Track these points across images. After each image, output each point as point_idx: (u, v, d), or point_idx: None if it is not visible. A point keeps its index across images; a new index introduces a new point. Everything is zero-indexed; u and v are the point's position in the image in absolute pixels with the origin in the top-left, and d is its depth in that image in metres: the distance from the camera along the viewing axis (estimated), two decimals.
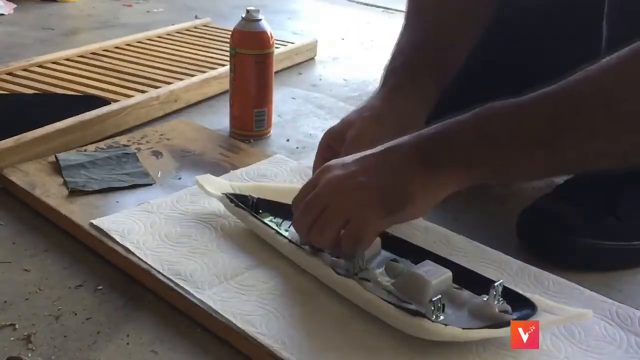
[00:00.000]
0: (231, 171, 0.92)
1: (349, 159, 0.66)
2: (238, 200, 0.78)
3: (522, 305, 0.62)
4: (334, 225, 0.64)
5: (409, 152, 0.63)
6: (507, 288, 0.64)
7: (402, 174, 0.62)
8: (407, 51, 0.81)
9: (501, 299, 0.62)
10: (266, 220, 0.75)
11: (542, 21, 0.98)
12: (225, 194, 0.79)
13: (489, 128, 0.61)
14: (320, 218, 0.65)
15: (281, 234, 0.73)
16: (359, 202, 0.63)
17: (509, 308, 0.62)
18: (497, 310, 0.61)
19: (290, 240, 0.72)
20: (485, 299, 0.62)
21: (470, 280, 0.65)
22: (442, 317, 0.60)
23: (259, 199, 0.79)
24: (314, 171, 0.77)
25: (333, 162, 0.67)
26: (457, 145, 0.61)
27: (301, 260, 0.70)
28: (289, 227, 0.76)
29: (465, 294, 0.64)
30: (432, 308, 0.59)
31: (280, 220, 0.77)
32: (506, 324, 0.60)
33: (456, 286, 0.65)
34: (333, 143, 0.78)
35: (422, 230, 0.80)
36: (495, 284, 0.62)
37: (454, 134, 0.62)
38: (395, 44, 0.84)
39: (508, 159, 0.60)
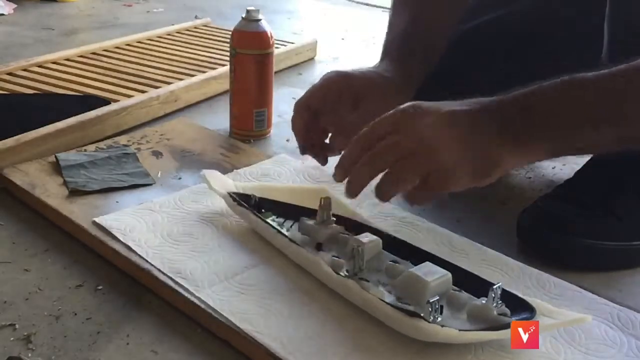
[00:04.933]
0: (234, 171, 0.92)
1: (433, 108, 0.64)
2: (241, 199, 0.78)
3: (521, 309, 0.62)
4: (416, 174, 0.63)
5: (496, 118, 0.63)
6: (506, 291, 0.64)
7: (491, 142, 0.62)
8: (402, 32, 0.85)
9: (500, 301, 0.62)
10: (268, 220, 0.75)
11: (537, 22, 0.98)
12: (229, 193, 0.79)
13: (568, 99, 0.62)
14: (403, 163, 0.63)
15: (282, 234, 0.73)
16: (451, 157, 0.62)
17: (507, 311, 0.62)
18: (495, 313, 0.61)
19: (291, 240, 0.72)
20: (484, 301, 0.62)
21: (469, 282, 0.65)
22: (439, 319, 0.60)
23: (261, 198, 0.79)
24: (306, 100, 0.79)
25: (413, 108, 0.64)
26: (537, 119, 0.62)
27: (301, 260, 0.70)
28: (290, 227, 0.76)
29: (465, 296, 0.64)
30: (430, 309, 0.59)
31: (282, 220, 0.77)
32: (504, 326, 0.60)
33: (455, 288, 0.65)
34: (345, 89, 0.78)
35: (423, 231, 0.80)
36: (494, 286, 0.62)
37: (535, 104, 0.63)
38: (387, 26, 0.88)
39: (580, 133, 0.62)
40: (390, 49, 0.84)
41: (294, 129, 0.81)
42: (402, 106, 0.65)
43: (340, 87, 0.78)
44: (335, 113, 0.79)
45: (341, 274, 0.66)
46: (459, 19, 0.90)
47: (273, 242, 0.74)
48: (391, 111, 0.65)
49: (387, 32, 0.86)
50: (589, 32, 0.91)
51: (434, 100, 1.02)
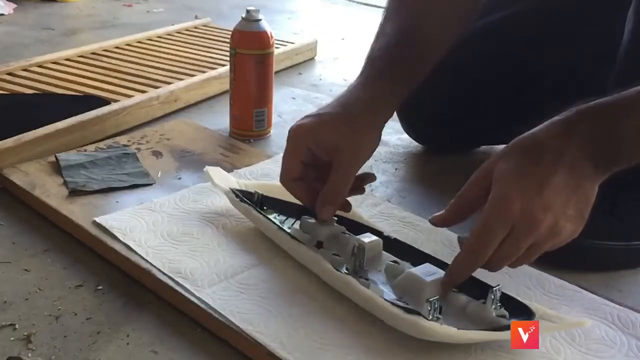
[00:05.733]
0: (235, 170, 0.92)
1: (533, 187, 0.59)
2: (243, 196, 0.77)
3: (520, 312, 0.62)
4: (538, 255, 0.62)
5: (589, 155, 0.61)
6: (505, 294, 0.64)
7: (593, 186, 0.61)
8: (389, 40, 0.79)
9: (499, 304, 0.62)
10: (270, 217, 0.75)
11: (542, 21, 0.98)
12: (231, 189, 0.79)
13: None
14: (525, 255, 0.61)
15: (284, 230, 0.73)
16: (571, 229, 0.61)
17: (506, 313, 0.62)
18: (494, 314, 0.61)
19: (292, 237, 0.71)
20: (482, 303, 0.62)
21: (468, 284, 0.65)
22: (438, 318, 0.60)
23: (264, 196, 0.78)
24: (286, 175, 0.72)
25: (522, 198, 0.59)
26: (630, 144, 0.61)
27: (302, 257, 0.70)
28: (292, 225, 0.76)
29: (463, 297, 0.64)
30: (429, 308, 0.59)
31: (284, 218, 0.77)
32: (503, 328, 0.60)
33: (454, 290, 0.65)
34: (311, 145, 0.72)
35: (424, 231, 0.80)
36: (494, 288, 0.62)
37: (625, 131, 0.61)
38: (376, 33, 0.82)
39: None
40: (372, 62, 0.78)
41: (301, 201, 0.74)
42: (499, 194, 0.59)
43: (309, 148, 0.71)
44: (315, 173, 0.74)
45: (342, 270, 0.66)
46: (465, 26, 0.84)
47: (274, 238, 0.74)
48: (492, 207, 0.59)
49: (374, 40, 0.81)
50: (593, 31, 0.91)
51: (438, 95, 0.99)
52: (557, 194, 0.59)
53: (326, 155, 0.71)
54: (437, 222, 0.66)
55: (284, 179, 0.73)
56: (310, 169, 0.72)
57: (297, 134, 0.72)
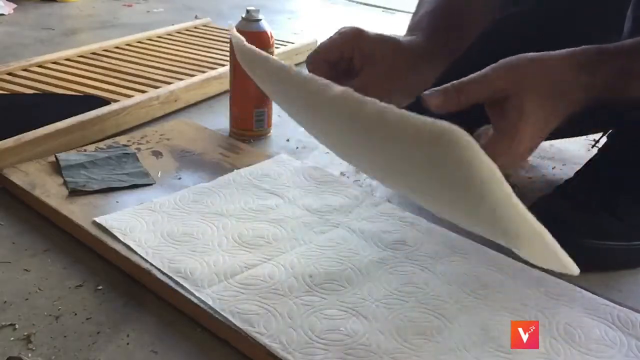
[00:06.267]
0: (235, 171, 0.92)
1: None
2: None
3: None
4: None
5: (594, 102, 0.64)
6: None
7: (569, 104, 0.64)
8: (432, 8, 0.80)
9: None
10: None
11: (542, 21, 0.98)
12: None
13: None
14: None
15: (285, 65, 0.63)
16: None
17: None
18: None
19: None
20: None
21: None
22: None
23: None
24: (318, 52, 0.71)
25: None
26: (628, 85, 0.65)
27: (297, 81, 0.59)
28: None
29: None
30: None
31: None
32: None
33: None
34: (356, 44, 0.72)
35: (423, 231, 0.80)
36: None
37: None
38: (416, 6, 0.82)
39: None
40: (418, 23, 0.78)
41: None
42: (518, 131, 0.62)
43: (353, 46, 0.72)
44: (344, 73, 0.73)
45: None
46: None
47: (271, 76, 0.64)
48: (506, 139, 0.63)
49: (414, 12, 0.80)
50: (593, 31, 0.91)
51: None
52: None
53: (360, 62, 0.71)
54: (436, 105, 0.64)
55: (314, 54, 0.72)
56: (334, 72, 0.71)
57: (351, 30, 0.72)
